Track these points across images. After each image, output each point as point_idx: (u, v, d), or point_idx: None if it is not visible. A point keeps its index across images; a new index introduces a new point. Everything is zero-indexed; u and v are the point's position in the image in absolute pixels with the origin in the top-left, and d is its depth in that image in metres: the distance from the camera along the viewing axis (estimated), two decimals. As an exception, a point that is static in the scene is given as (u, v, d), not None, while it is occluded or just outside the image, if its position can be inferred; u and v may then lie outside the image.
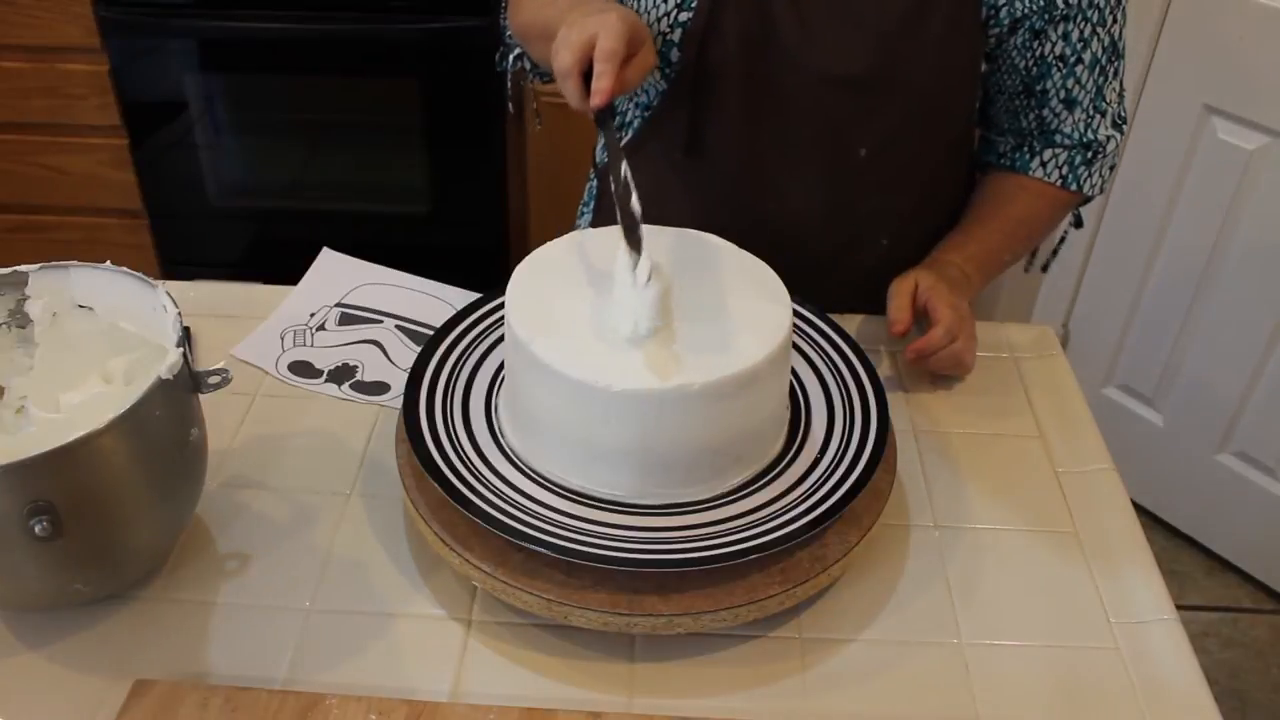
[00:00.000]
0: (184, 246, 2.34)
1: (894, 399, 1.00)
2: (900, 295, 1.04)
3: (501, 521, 0.78)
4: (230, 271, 2.34)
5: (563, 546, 0.77)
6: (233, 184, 2.29)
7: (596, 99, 0.87)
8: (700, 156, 1.10)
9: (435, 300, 1.13)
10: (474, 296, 1.04)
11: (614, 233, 0.93)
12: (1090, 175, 1.13)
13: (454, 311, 0.99)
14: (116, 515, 0.75)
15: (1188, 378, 2.03)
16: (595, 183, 1.27)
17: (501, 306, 0.85)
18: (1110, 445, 1.00)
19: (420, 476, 0.83)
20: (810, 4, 1.02)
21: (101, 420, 0.70)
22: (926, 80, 1.04)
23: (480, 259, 2.26)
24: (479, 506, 0.80)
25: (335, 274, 1.16)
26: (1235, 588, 2.08)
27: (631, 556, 0.77)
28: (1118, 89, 1.11)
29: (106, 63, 2.08)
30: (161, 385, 0.74)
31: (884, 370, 1.07)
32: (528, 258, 0.89)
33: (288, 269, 1.18)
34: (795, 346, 0.92)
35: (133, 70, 2.10)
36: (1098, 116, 1.10)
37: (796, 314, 0.87)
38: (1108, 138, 1.12)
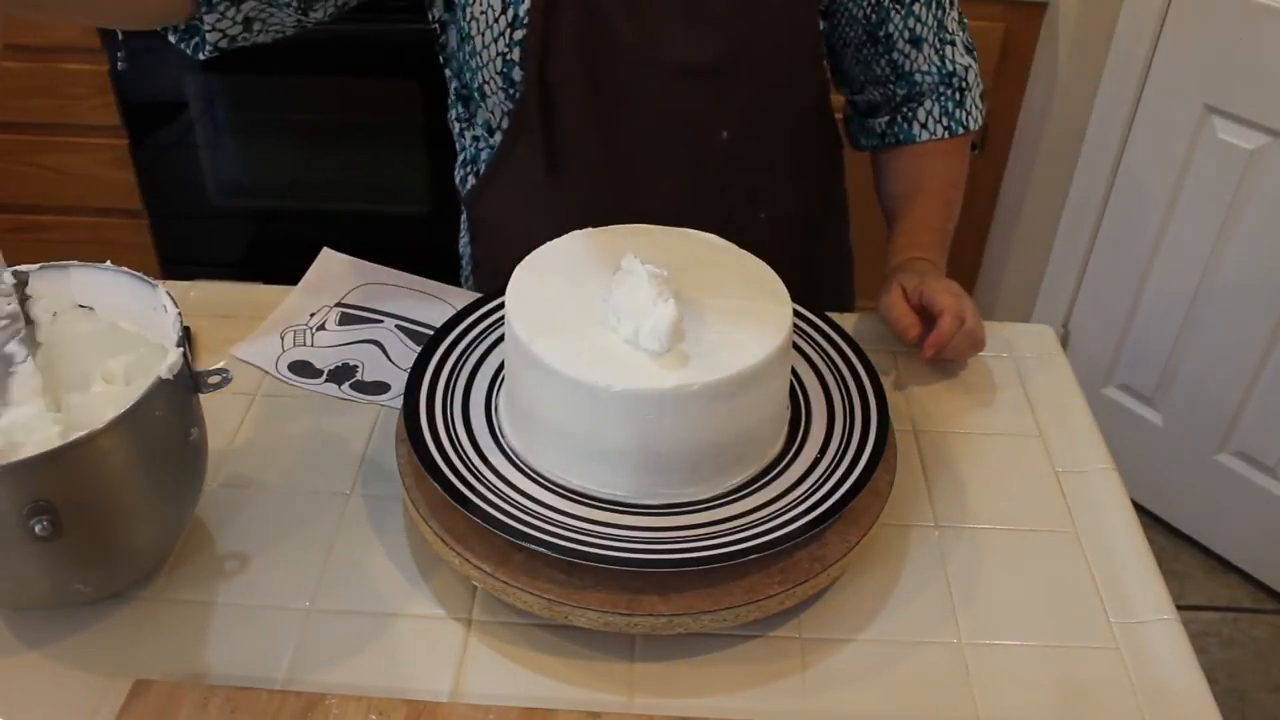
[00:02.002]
0: (184, 246, 2.34)
1: (894, 399, 1.00)
2: (897, 304, 1.04)
3: (502, 521, 0.78)
4: (230, 271, 2.34)
5: (563, 546, 0.77)
6: (233, 184, 2.29)
7: None
8: (562, 172, 1.09)
9: (435, 300, 1.13)
10: (474, 296, 1.04)
11: (616, 233, 0.93)
12: (968, 112, 1.15)
13: (454, 311, 0.99)
14: (116, 515, 0.75)
15: (1188, 378, 2.04)
16: (465, 213, 1.26)
17: (501, 306, 0.85)
18: (1110, 445, 1.00)
19: (420, 476, 0.83)
20: (644, 1, 1.02)
21: (101, 420, 0.70)
22: (774, 54, 1.05)
23: (480, 259, 2.26)
24: (479, 507, 0.80)
25: (335, 274, 1.16)
26: (1235, 588, 2.08)
27: (632, 556, 0.77)
28: (957, 18, 1.14)
29: (106, 63, 2.08)
30: (161, 385, 0.74)
31: (884, 371, 1.07)
32: (528, 257, 0.89)
33: (288, 269, 1.18)
34: (795, 346, 0.92)
35: (133, 70, 2.10)
36: (947, 47, 1.13)
37: (796, 314, 0.87)
38: (966, 67, 1.14)
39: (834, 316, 1.01)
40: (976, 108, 1.16)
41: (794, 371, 0.92)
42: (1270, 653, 1.96)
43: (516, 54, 1.03)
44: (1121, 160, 2.03)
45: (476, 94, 1.11)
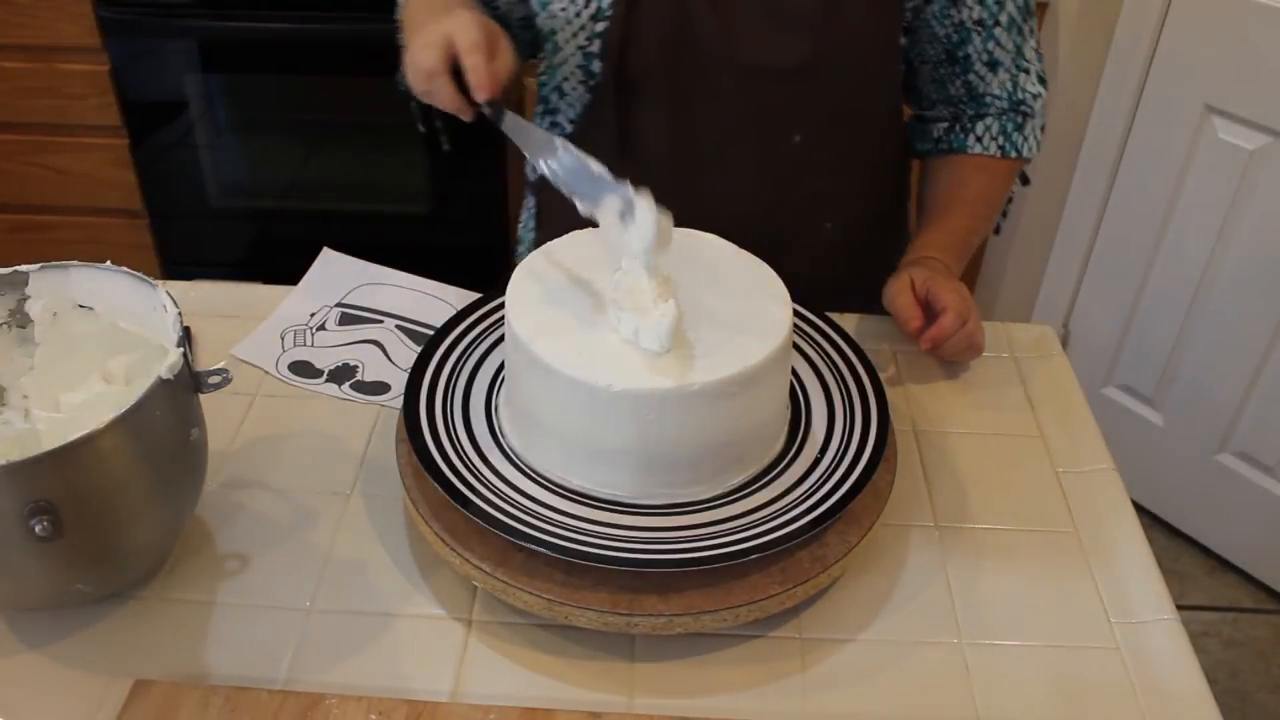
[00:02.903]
0: (184, 246, 2.34)
1: (894, 399, 1.00)
2: (903, 293, 1.04)
3: (502, 522, 0.78)
4: (230, 271, 2.34)
5: (563, 546, 0.77)
6: (233, 184, 2.29)
7: (481, 93, 0.87)
8: (631, 163, 1.09)
9: (435, 300, 1.13)
10: (474, 296, 1.04)
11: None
12: (1025, 139, 1.15)
13: (454, 311, 0.99)
14: (116, 515, 0.75)
15: (1188, 378, 2.03)
16: (531, 199, 1.27)
17: (501, 306, 0.85)
18: (1110, 445, 1.00)
19: (420, 476, 0.83)
20: (728, 0, 1.02)
21: (102, 420, 0.70)
22: (854, 63, 1.05)
23: (480, 259, 2.26)
24: (479, 507, 0.80)
25: (335, 274, 1.16)
26: (1235, 588, 2.08)
27: (632, 556, 0.77)
28: (1035, 46, 1.14)
29: (107, 63, 2.08)
30: (161, 385, 0.74)
31: (884, 370, 1.07)
32: (528, 257, 0.89)
33: (288, 269, 1.18)
34: (795, 346, 0.92)
35: (133, 70, 2.10)
36: (1022, 75, 1.13)
37: (796, 314, 0.87)
38: (1035, 95, 1.14)
39: (834, 316, 1.01)
40: (1035, 137, 1.16)
41: (794, 371, 0.92)
42: (1270, 653, 1.96)
43: (597, 46, 1.04)
44: (1121, 160, 2.03)
45: (554, 94, 1.13)
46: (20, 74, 2.09)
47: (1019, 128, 1.15)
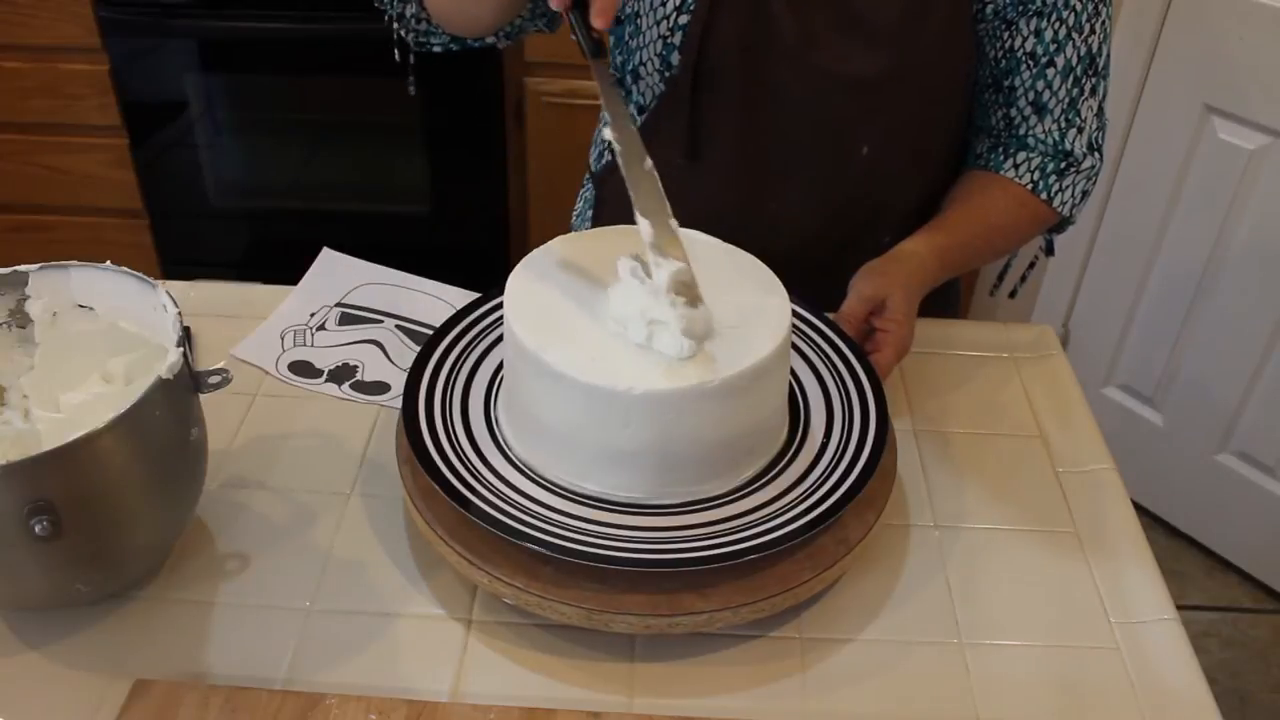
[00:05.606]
0: (184, 246, 2.34)
1: (894, 399, 1.00)
2: (850, 321, 0.99)
3: (525, 533, 0.78)
4: (230, 271, 2.34)
5: (601, 555, 0.76)
6: (233, 184, 2.29)
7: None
8: (700, 159, 1.10)
9: (435, 300, 1.13)
10: (474, 296, 1.04)
11: (611, 233, 0.93)
12: (1061, 189, 1.09)
13: (454, 311, 0.99)
14: (116, 515, 0.75)
15: (1188, 378, 2.04)
16: (591, 189, 1.26)
17: (502, 306, 0.85)
18: (1110, 445, 1.00)
19: (432, 494, 0.82)
20: (810, 6, 1.02)
21: (101, 420, 0.70)
22: (929, 79, 1.04)
23: (480, 259, 2.26)
24: (506, 524, 0.78)
25: (335, 274, 1.16)
26: (1235, 588, 2.08)
27: (666, 557, 0.77)
28: (1095, 108, 1.08)
29: (106, 63, 2.08)
30: (161, 385, 0.74)
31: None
32: (523, 261, 0.88)
33: (288, 269, 1.18)
34: (795, 346, 0.92)
35: (133, 70, 2.10)
36: (1072, 130, 1.07)
37: (796, 314, 0.87)
38: (1083, 155, 1.08)
39: (834, 317, 1.01)
40: (1072, 196, 1.09)
41: (793, 371, 0.92)
42: (1270, 653, 1.96)
43: (678, 38, 1.04)
44: (1121, 160, 2.03)
45: (629, 75, 1.12)
46: (20, 74, 2.09)
47: (1059, 173, 1.08)
